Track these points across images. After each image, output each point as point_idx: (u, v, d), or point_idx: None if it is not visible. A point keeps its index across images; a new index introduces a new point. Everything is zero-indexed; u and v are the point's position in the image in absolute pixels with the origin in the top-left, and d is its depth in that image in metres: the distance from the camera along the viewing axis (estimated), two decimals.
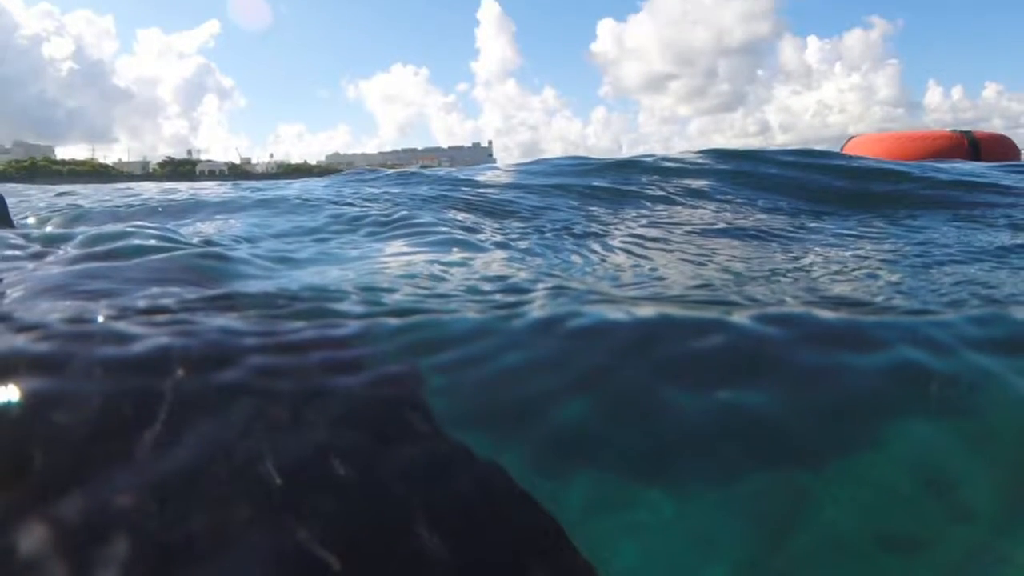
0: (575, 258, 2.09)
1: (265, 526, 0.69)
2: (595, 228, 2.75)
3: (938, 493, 0.88)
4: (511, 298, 1.29)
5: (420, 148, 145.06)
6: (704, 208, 3.49)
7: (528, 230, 2.69)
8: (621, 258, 2.11)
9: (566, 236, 2.54)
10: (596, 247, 2.29)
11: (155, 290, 1.20)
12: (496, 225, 2.83)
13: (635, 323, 1.10)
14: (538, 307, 1.17)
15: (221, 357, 0.90)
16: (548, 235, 2.56)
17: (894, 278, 1.79)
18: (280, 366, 0.90)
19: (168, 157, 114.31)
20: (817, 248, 2.38)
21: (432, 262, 1.70)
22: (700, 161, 4.83)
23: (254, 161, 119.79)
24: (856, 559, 0.84)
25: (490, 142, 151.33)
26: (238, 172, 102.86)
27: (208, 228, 2.89)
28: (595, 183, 4.02)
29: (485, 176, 4.57)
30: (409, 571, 0.71)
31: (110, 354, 0.87)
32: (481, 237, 2.43)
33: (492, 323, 1.08)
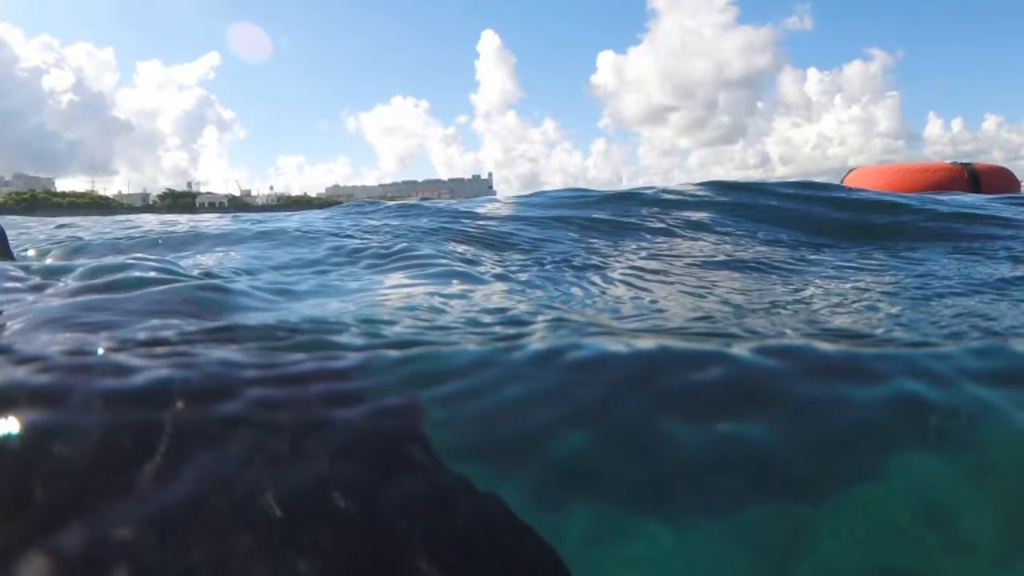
0: (575, 290, 2.10)
1: (265, 559, 0.69)
2: (595, 260, 2.75)
3: (938, 526, 0.87)
4: (511, 330, 1.29)
5: (420, 180, 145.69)
6: (704, 240, 3.50)
7: (528, 262, 2.69)
8: (621, 290, 2.11)
9: (566, 268, 2.54)
10: (596, 279, 2.30)
11: (155, 322, 1.20)
12: (496, 257, 2.84)
13: (635, 355, 1.10)
14: (538, 339, 1.17)
15: (221, 389, 0.90)
16: (548, 267, 2.56)
17: (894, 310, 1.80)
18: (280, 398, 0.90)
19: (168, 189, 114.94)
20: (817, 280, 2.38)
21: (432, 294, 1.70)
22: (700, 193, 4.85)
23: (254, 193, 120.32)
24: None
25: (490, 174, 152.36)
26: (238, 204, 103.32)
27: (208, 260, 2.90)
28: (595, 215, 4.03)
29: (485, 208, 4.58)
30: None
31: (110, 386, 0.87)
32: (481, 269, 2.44)
33: (492, 355, 1.08)
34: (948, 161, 11.01)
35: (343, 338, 1.18)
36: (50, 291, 1.50)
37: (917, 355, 1.16)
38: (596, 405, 0.97)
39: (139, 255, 1.93)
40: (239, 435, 0.82)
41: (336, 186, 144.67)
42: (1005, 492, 0.90)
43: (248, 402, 0.88)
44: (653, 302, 1.90)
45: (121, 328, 1.15)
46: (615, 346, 1.13)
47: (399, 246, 2.74)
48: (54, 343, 1.03)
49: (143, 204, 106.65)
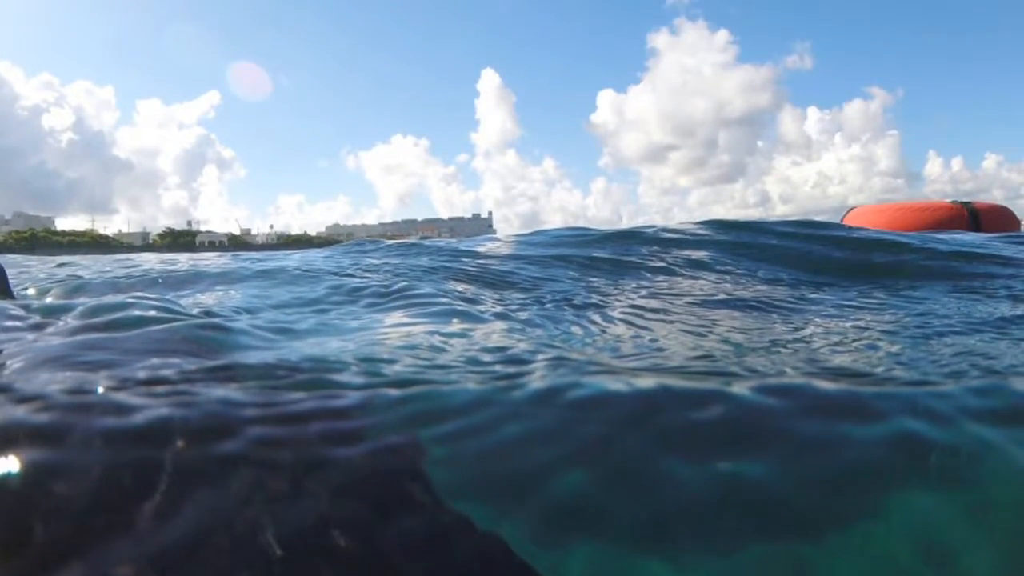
0: (575, 329, 2.10)
1: None
2: (595, 299, 2.76)
3: (938, 564, 0.87)
4: (511, 369, 1.29)
5: (420, 219, 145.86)
6: (704, 279, 3.50)
7: (528, 301, 2.69)
8: (621, 329, 2.11)
9: (566, 307, 2.54)
10: (596, 318, 2.30)
11: (155, 361, 1.20)
12: (496, 296, 2.84)
13: (635, 394, 1.10)
14: (538, 378, 1.17)
15: (221, 428, 0.90)
16: (548, 306, 2.57)
17: (894, 349, 1.80)
18: (280, 437, 0.90)
19: (168, 228, 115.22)
20: (817, 319, 2.38)
21: (432, 333, 1.70)
22: (700, 232, 4.86)
23: (254, 232, 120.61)
24: None
25: (490, 213, 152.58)
26: (238, 243, 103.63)
27: (208, 299, 2.90)
28: (595, 254, 4.04)
29: (485, 247, 4.59)
30: None
31: (110, 425, 0.87)
32: (481, 308, 2.44)
33: (492, 394, 1.07)
34: (948, 200, 11.04)
35: (343, 377, 1.18)
36: (50, 330, 1.50)
37: (917, 394, 1.16)
38: (596, 444, 0.97)
39: (139, 294, 1.93)
40: (239, 474, 0.82)
41: (336, 225, 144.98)
42: (1005, 530, 0.90)
43: (248, 441, 0.88)
44: (653, 341, 1.90)
45: (121, 367, 1.15)
46: (615, 385, 1.13)
47: (399, 285, 2.75)
48: (54, 382, 1.03)
49: (143, 243, 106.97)
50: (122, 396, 0.96)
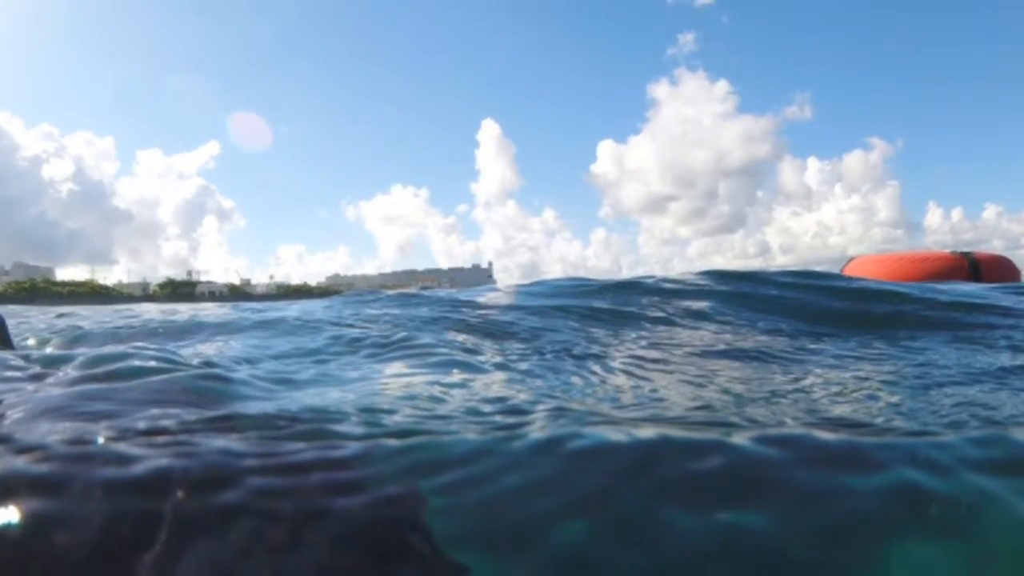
0: (575, 379, 2.10)
1: None
2: (595, 349, 2.76)
3: None
4: (511, 419, 1.29)
5: (420, 269, 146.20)
6: (704, 329, 3.51)
7: (528, 351, 2.69)
8: (621, 379, 2.11)
9: (566, 357, 2.54)
10: (596, 368, 2.30)
11: (155, 411, 1.20)
12: (496, 346, 2.84)
13: (635, 444, 1.10)
14: (538, 428, 1.17)
15: (221, 478, 0.90)
16: (548, 356, 2.56)
17: (894, 399, 1.80)
18: (280, 487, 0.90)
19: (168, 278, 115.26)
20: (817, 369, 2.38)
21: (432, 383, 1.70)
22: (700, 282, 4.87)
23: (254, 282, 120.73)
24: None
25: (490, 263, 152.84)
26: (238, 293, 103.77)
27: (208, 349, 2.91)
28: (595, 304, 4.04)
29: (485, 297, 4.60)
30: None
31: (110, 476, 0.87)
32: (481, 358, 2.44)
33: (492, 444, 1.07)
34: (948, 250, 11.05)
35: (343, 427, 1.18)
36: (50, 380, 1.50)
37: (917, 444, 1.16)
38: (596, 494, 0.97)
39: (139, 344, 1.93)
40: (239, 524, 0.82)
41: (336, 275, 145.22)
42: None
43: (248, 491, 0.88)
44: (653, 391, 1.90)
45: (121, 417, 1.15)
46: (615, 435, 1.13)
47: (399, 335, 2.75)
48: (54, 432, 1.03)
49: (143, 293, 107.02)
50: (122, 447, 0.96)
